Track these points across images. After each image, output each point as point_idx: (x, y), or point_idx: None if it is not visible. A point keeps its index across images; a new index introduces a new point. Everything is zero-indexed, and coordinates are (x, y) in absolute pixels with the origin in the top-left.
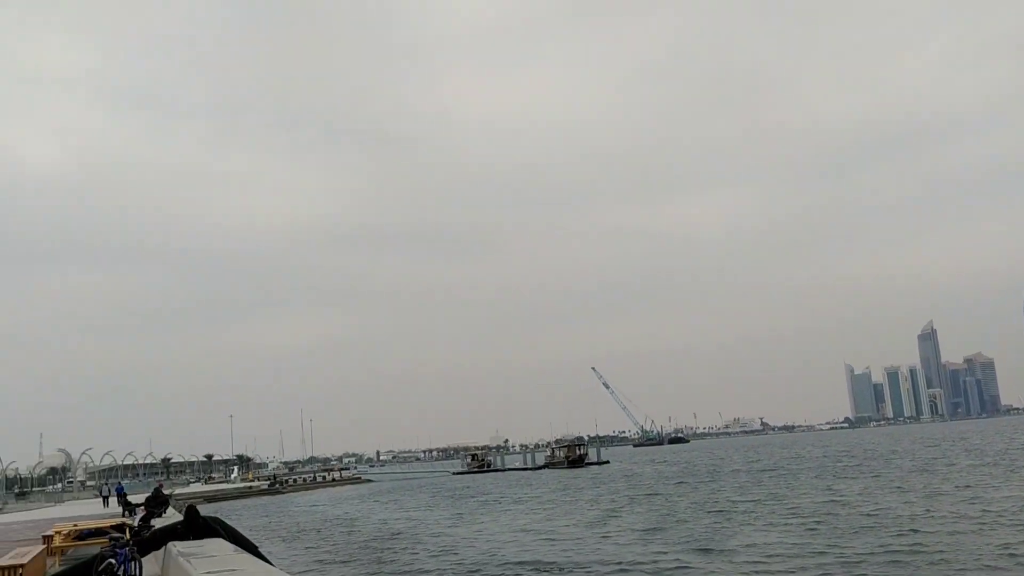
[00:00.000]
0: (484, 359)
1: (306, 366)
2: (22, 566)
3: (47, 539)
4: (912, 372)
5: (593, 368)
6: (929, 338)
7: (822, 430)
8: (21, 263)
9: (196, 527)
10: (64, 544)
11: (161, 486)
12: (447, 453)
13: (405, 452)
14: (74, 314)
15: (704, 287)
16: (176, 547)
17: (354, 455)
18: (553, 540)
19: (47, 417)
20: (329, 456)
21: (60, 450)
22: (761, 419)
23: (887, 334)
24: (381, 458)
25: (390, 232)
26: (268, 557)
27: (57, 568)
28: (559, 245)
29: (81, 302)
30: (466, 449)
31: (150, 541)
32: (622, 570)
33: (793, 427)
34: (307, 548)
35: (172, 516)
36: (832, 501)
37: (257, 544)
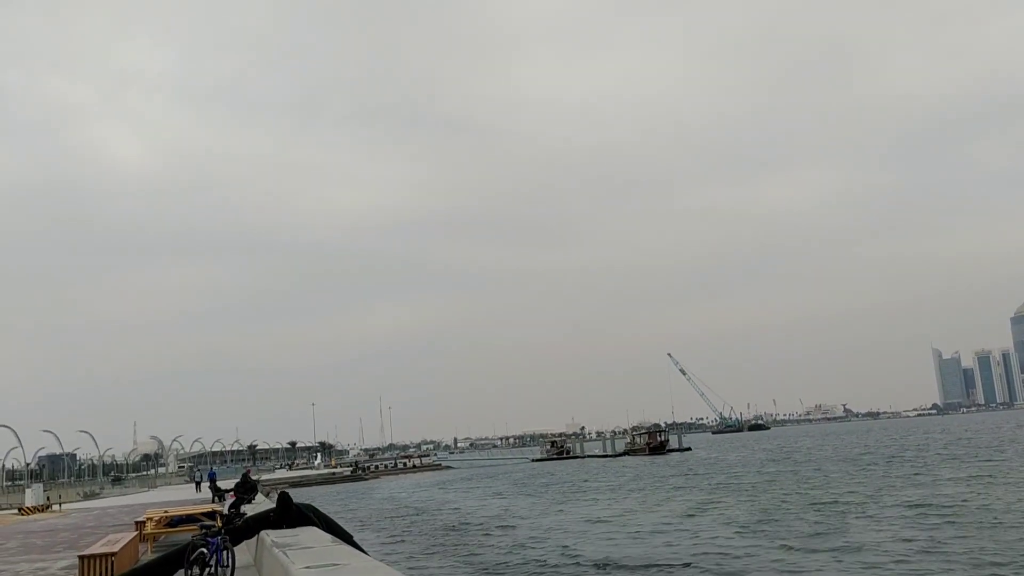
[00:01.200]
0: (560, 345)
1: (385, 354)
2: (114, 554)
3: (139, 525)
4: (1005, 356)
5: (669, 354)
6: (1023, 320)
7: (908, 416)
8: (115, 257)
9: (289, 515)
10: (156, 531)
11: (249, 472)
12: (523, 440)
13: (482, 439)
14: (166, 306)
15: (787, 269)
16: (270, 536)
17: (432, 442)
18: (654, 532)
19: (141, 405)
20: (407, 443)
21: (153, 437)
22: (844, 405)
23: (978, 316)
24: (458, 445)
25: (467, 220)
26: (362, 547)
27: (149, 555)
28: (637, 228)
29: (172, 294)
30: (543, 436)
31: (242, 529)
32: (736, 572)
33: (878, 413)
34: (395, 537)
35: (261, 503)
36: (952, 496)
37: (350, 533)
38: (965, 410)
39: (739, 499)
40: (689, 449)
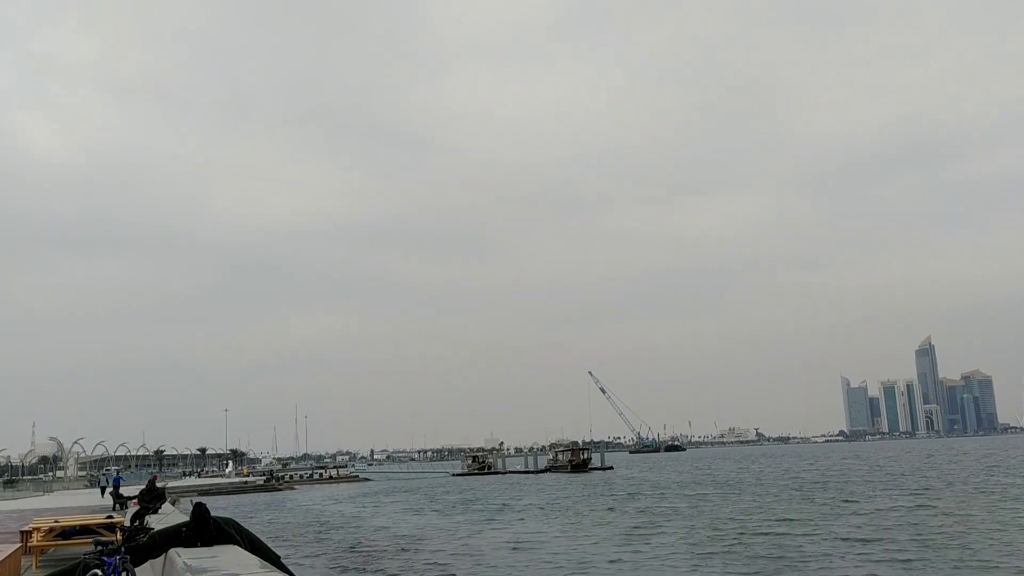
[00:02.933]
0: (481, 360)
1: (301, 362)
2: None
3: (25, 535)
4: (909, 387)
5: (590, 372)
6: (927, 353)
7: (817, 443)
8: (25, 253)
9: (206, 531)
10: (44, 543)
11: (155, 478)
12: (441, 454)
13: (399, 452)
14: (73, 302)
15: (706, 293)
16: (182, 557)
17: (347, 453)
18: (598, 557)
19: (41, 404)
20: (322, 453)
21: (52, 438)
22: (756, 429)
23: (885, 348)
24: (375, 457)
25: (394, 231)
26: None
27: (34, 572)
28: (563, 246)
29: (81, 290)
30: (461, 450)
31: (147, 547)
32: None
33: (788, 438)
34: (313, 555)
35: (169, 513)
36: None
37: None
38: (870, 437)
39: (677, 524)
40: (611, 468)
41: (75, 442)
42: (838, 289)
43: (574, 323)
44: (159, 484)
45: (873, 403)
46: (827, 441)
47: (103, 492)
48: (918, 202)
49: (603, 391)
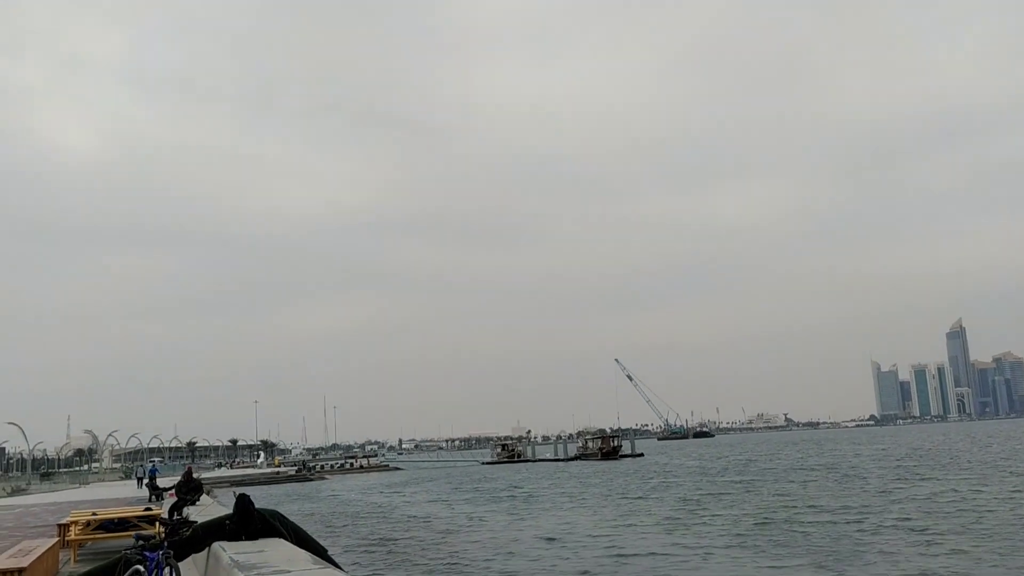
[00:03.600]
0: (508, 348)
1: (330, 352)
2: (23, 569)
3: (62, 529)
4: (940, 370)
5: (617, 359)
6: (958, 336)
7: (848, 427)
8: (59, 248)
9: (251, 523)
10: (82, 536)
11: (191, 469)
12: (468, 443)
13: (427, 441)
14: (105, 297)
15: (732, 278)
16: (227, 551)
17: (376, 442)
18: (639, 547)
19: (77, 398)
20: (351, 443)
21: (87, 431)
22: (785, 415)
23: (915, 332)
24: (403, 446)
25: (418, 220)
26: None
27: (72, 567)
28: (591, 234)
29: (114, 285)
30: (488, 439)
31: (191, 541)
32: None
33: (818, 423)
34: (354, 547)
35: (207, 504)
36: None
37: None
38: (901, 422)
39: (721, 511)
40: (642, 455)
41: (109, 435)
42: (868, 273)
43: (600, 310)
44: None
45: (904, 387)
46: (857, 426)
47: (140, 483)
48: (948, 183)
49: (630, 378)
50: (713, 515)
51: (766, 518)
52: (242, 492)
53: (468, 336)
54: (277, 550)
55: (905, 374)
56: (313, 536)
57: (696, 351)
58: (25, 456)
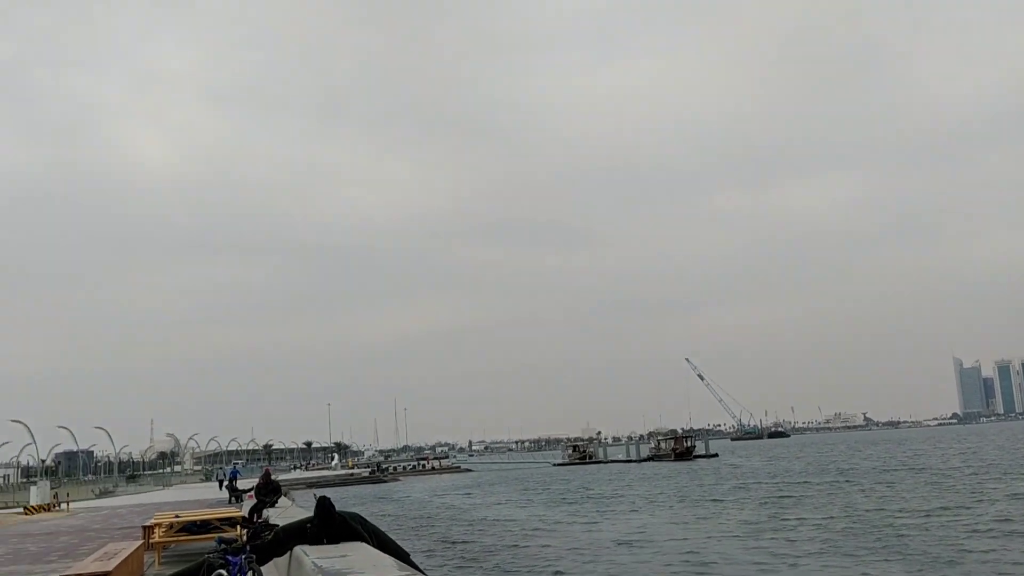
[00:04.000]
0: (575, 349)
1: (400, 356)
2: (108, 573)
3: (147, 531)
4: None
5: (687, 359)
6: None
7: (929, 426)
8: (140, 256)
9: (332, 526)
10: (166, 539)
11: (269, 472)
12: (538, 444)
13: (496, 442)
14: (182, 304)
15: (806, 274)
16: (310, 556)
17: (446, 444)
18: (722, 554)
19: (158, 403)
20: (422, 445)
21: (169, 435)
22: (864, 414)
23: (998, 326)
24: (473, 448)
25: (486, 223)
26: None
27: (157, 569)
28: (658, 232)
29: (188, 292)
30: (557, 440)
31: (273, 545)
32: None
33: (898, 423)
34: (433, 551)
35: (286, 507)
36: None
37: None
38: (984, 420)
39: (807, 515)
40: (716, 455)
41: (190, 438)
42: (947, 266)
43: (669, 308)
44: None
45: (987, 383)
46: (939, 424)
47: (221, 485)
48: None
49: (701, 378)
50: (798, 519)
51: (857, 522)
52: (322, 495)
53: (536, 337)
54: (360, 554)
55: (988, 370)
56: (394, 539)
57: (769, 349)
58: (112, 459)
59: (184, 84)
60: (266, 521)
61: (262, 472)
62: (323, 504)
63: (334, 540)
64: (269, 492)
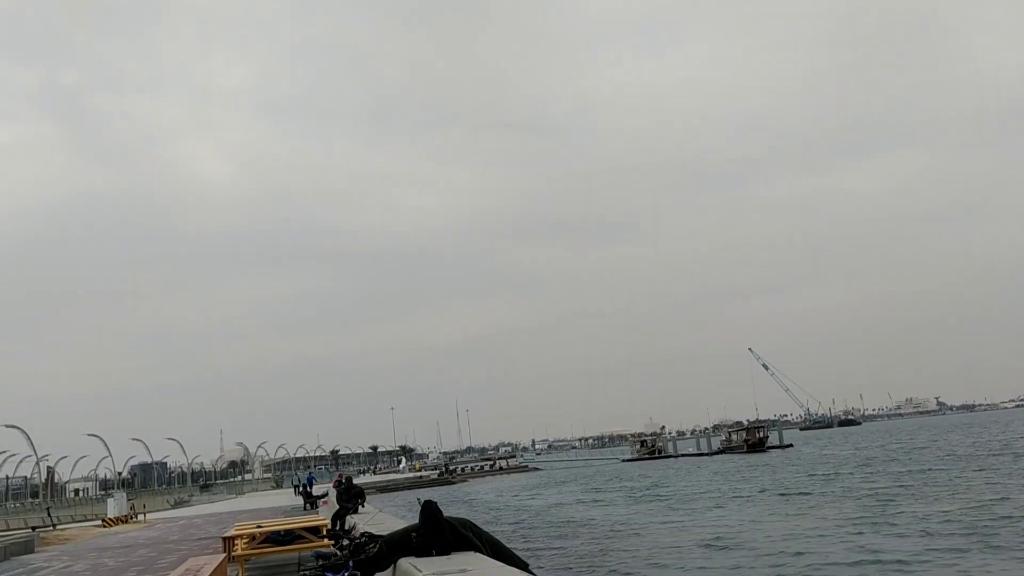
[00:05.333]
0: (635, 344)
1: (460, 358)
2: None
3: (227, 543)
4: None
5: (750, 349)
6: None
7: (1007, 408)
8: (204, 269)
9: (440, 535)
10: (248, 551)
11: (346, 477)
12: (602, 441)
13: (559, 440)
14: (244, 314)
15: (868, 258)
16: (422, 571)
17: (509, 444)
18: (830, 553)
19: (228, 412)
20: (485, 445)
21: (239, 444)
22: (937, 398)
23: None
24: (536, 446)
25: (541, 222)
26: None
27: None
28: (712, 221)
29: (254, 304)
30: (622, 436)
31: (377, 559)
32: None
33: (974, 406)
34: (526, 555)
35: (369, 513)
36: None
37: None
38: None
39: (917, 509)
40: (791, 446)
41: (259, 446)
42: (1012, 244)
43: (728, 299)
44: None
45: None
46: (1017, 406)
47: (296, 491)
48: None
49: (766, 367)
50: (910, 512)
51: (986, 514)
52: (427, 499)
53: (595, 333)
54: (477, 566)
55: None
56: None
57: (834, 336)
58: (185, 469)
59: (239, 100)
60: (350, 529)
61: (334, 477)
62: (429, 509)
63: (444, 551)
64: (351, 497)
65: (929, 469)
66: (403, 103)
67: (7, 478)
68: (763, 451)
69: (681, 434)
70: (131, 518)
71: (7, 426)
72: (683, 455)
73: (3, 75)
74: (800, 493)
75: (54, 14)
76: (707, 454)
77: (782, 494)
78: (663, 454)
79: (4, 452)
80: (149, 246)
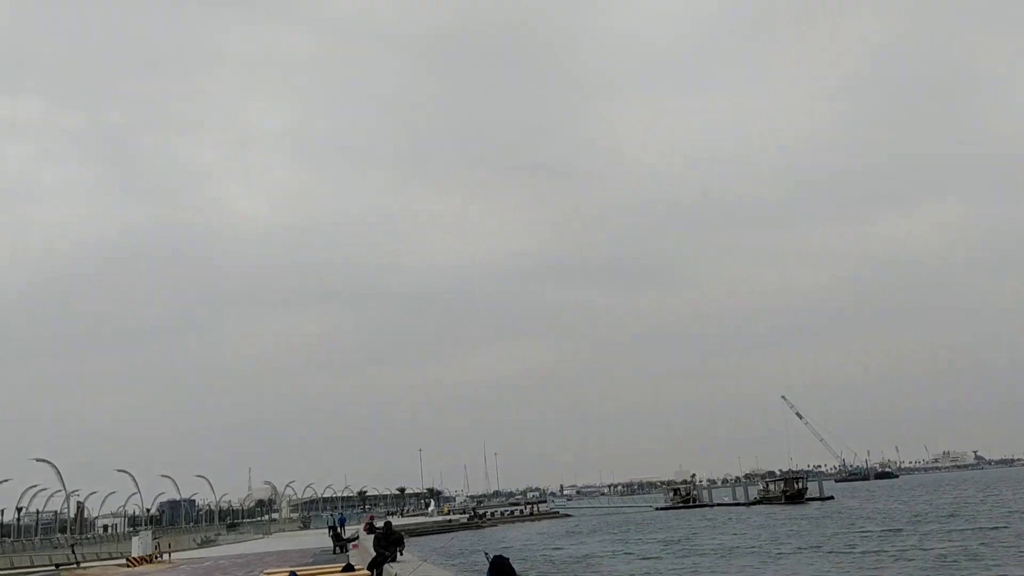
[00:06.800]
0: (664, 390)
1: (487, 400)
2: None
3: None
4: None
5: (783, 396)
6: None
7: None
8: (237, 308)
9: None
10: None
11: (372, 518)
12: (630, 488)
13: (587, 487)
14: (277, 354)
15: (903, 307)
16: None
17: (536, 489)
18: None
19: (255, 451)
20: (512, 490)
21: (267, 483)
22: (975, 452)
23: None
24: (564, 492)
25: (571, 266)
26: None
27: None
28: (746, 268)
29: (283, 343)
30: (651, 484)
31: None
32: None
33: (1013, 460)
34: None
35: (410, 562)
36: None
37: None
38: None
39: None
40: (831, 498)
41: (287, 485)
42: None
43: (761, 346)
44: (378, 524)
45: None
46: None
47: (330, 532)
48: None
49: (799, 416)
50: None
51: None
52: (497, 555)
53: (623, 379)
54: None
55: None
56: None
57: (869, 386)
58: (213, 507)
59: (278, 143)
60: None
61: (365, 519)
62: (500, 567)
63: None
64: (390, 544)
65: (996, 527)
66: (436, 145)
67: (37, 512)
68: (802, 503)
69: (712, 482)
70: (156, 557)
71: (37, 460)
72: (719, 504)
73: (53, 117)
74: (864, 552)
75: (103, 57)
76: (744, 504)
77: (846, 552)
78: (698, 503)
79: (35, 486)
80: (185, 284)
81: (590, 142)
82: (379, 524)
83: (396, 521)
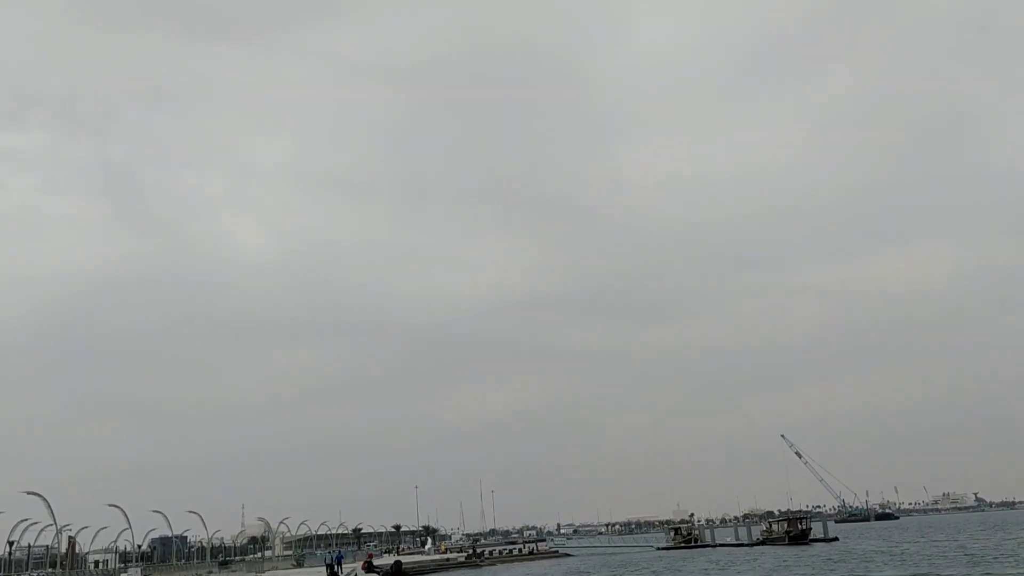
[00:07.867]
0: (661, 428)
1: (484, 437)
2: None
3: None
4: None
5: (783, 435)
6: None
7: None
8: (230, 342)
9: None
10: None
11: (371, 556)
12: (628, 527)
13: (585, 526)
14: (271, 388)
15: (902, 346)
16: None
17: (533, 527)
18: None
19: (249, 487)
20: (508, 528)
21: (260, 519)
22: (975, 494)
23: None
24: (562, 531)
25: (571, 302)
26: None
27: None
28: (745, 305)
29: (279, 378)
30: (649, 523)
31: None
32: None
33: (1014, 503)
34: None
35: None
36: None
37: None
38: None
39: None
40: (836, 539)
41: (281, 522)
42: None
43: (759, 385)
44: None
45: None
46: None
47: (328, 570)
48: None
49: (799, 455)
50: None
51: None
52: None
53: (620, 417)
54: None
55: None
56: None
57: (867, 425)
58: (205, 544)
59: (279, 176)
60: None
61: (365, 558)
62: None
63: None
64: None
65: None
66: (439, 180)
67: (29, 547)
68: (806, 543)
69: (711, 522)
70: None
71: (28, 493)
72: (721, 544)
73: (58, 149)
74: None
75: (107, 91)
76: (747, 544)
77: None
78: (700, 543)
79: (26, 520)
80: (183, 317)
81: (592, 176)
82: (378, 562)
83: (393, 559)
